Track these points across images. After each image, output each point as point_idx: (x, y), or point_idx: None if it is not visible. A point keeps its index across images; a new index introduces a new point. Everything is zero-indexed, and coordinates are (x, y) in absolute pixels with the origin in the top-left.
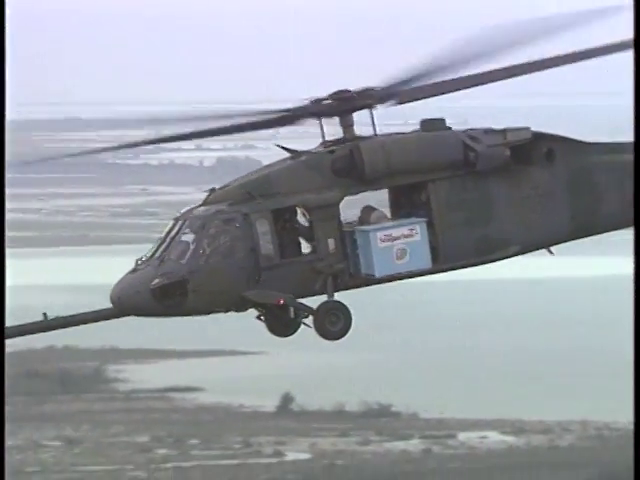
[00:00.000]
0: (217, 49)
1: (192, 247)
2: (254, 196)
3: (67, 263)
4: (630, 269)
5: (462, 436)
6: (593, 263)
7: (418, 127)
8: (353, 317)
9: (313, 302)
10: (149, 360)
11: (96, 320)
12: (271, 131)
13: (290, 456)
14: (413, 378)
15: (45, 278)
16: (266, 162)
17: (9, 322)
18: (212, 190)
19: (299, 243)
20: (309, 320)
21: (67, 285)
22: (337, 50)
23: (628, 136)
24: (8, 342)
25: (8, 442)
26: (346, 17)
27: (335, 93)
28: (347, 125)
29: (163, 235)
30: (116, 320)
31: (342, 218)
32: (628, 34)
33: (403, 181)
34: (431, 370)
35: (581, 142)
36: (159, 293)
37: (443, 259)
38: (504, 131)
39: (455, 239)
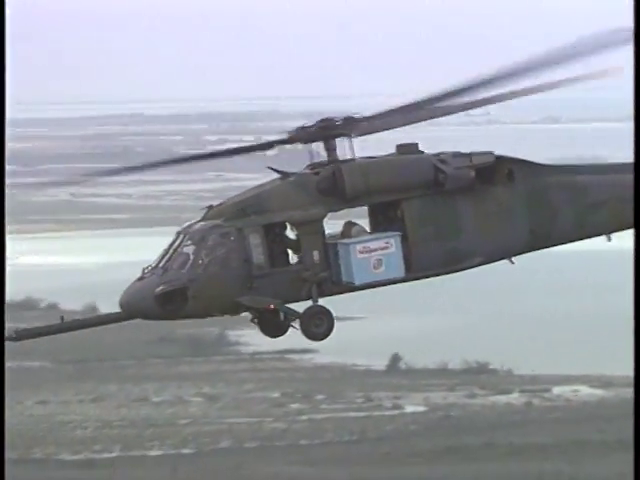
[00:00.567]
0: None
1: (192, 258)
2: (247, 213)
3: (161, 241)
4: None
5: (556, 390)
6: None
7: (394, 151)
8: (335, 321)
9: (300, 307)
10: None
11: (106, 323)
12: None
13: (408, 409)
14: (507, 339)
15: (142, 254)
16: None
17: (115, 294)
18: (210, 207)
19: (287, 254)
20: (297, 323)
21: None
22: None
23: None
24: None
25: (156, 398)
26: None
27: (320, 121)
28: (330, 149)
29: (167, 247)
30: None
31: (327, 232)
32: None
33: (380, 199)
34: (523, 332)
35: (538, 164)
36: (162, 299)
37: (415, 269)
38: (470, 155)
39: (426, 251)
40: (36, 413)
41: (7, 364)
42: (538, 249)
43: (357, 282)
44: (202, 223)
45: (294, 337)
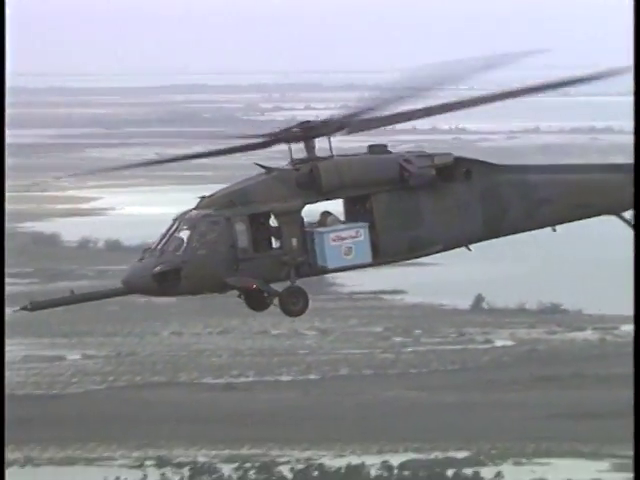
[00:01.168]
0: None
1: (185, 242)
2: (235, 203)
3: None
4: None
5: (624, 328)
6: None
7: (366, 150)
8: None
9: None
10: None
11: (110, 296)
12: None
13: (498, 343)
14: (576, 283)
15: None
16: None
17: None
18: (202, 197)
19: (270, 240)
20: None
21: None
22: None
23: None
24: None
25: (275, 331)
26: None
27: (300, 123)
28: (310, 148)
29: (164, 232)
30: None
31: (306, 220)
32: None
33: (352, 193)
34: (589, 277)
35: (493, 164)
36: (158, 278)
37: (381, 255)
38: (432, 155)
39: (391, 239)
40: (173, 343)
41: (138, 299)
42: (491, 239)
43: (330, 266)
44: (195, 211)
45: (384, 278)
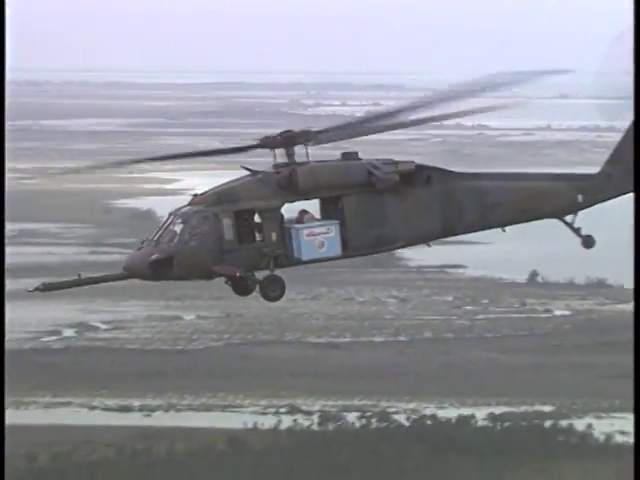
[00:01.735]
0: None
1: (178, 234)
2: (222, 201)
3: None
4: None
5: None
6: None
7: (339, 157)
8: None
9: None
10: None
11: (112, 280)
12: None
13: (557, 312)
14: (619, 258)
15: None
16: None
17: None
18: (195, 195)
19: (253, 234)
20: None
21: None
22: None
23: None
24: None
25: (360, 299)
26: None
27: (282, 132)
28: (290, 154)
29: (160, 225)
30: None
31: (285, 218)
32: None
33: (326, 194)
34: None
35: (451, 171)
36: (154, 265)
37: (350, 249)
38: (396, 162)
39: (359, 236)
40: (272, 306)
41: None
42: (448, 237)
43: (304, 258)
44: (188, 207)
45: (445, 254)
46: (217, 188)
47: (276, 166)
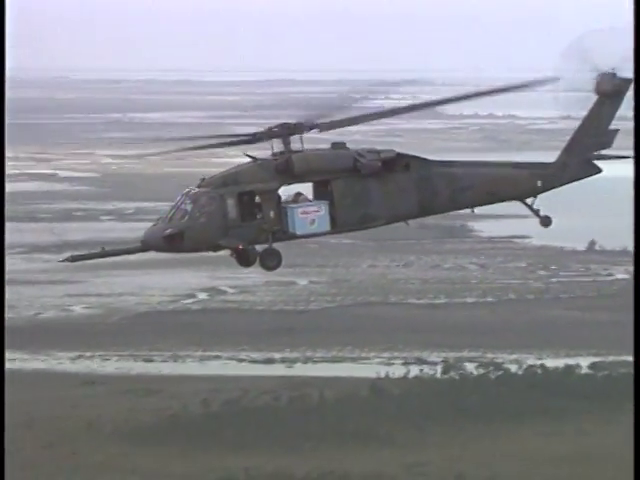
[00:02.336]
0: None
1: (189, 212)
2: (227, 184)
3: None
4: None
5: None
6: None
7: (329, 146)
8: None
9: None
10: (487, 219)
11: (133, 252)
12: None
13: (618, 276)
14: None
15: None
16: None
17: None
18: (203, 179)
19: (254, 213)
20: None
21: None
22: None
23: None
24: None
25: (445, 265)
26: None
27: (280, 124)
28: (286, 143)
29: (173, 204)
30: None
31: (283, 198)
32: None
33: (317, 178)
34: None
35: (427, 159)
36: (167, 239)
37: (338, 226)
38: (379, 151)
39: (345, 214)
40: (371, 272)
41: (330, 239)
42: (424, 216)
43: (298, 233)
44: (197, 189)
45: (510, 226)
46: (222, 173)
47: (274, 154)
